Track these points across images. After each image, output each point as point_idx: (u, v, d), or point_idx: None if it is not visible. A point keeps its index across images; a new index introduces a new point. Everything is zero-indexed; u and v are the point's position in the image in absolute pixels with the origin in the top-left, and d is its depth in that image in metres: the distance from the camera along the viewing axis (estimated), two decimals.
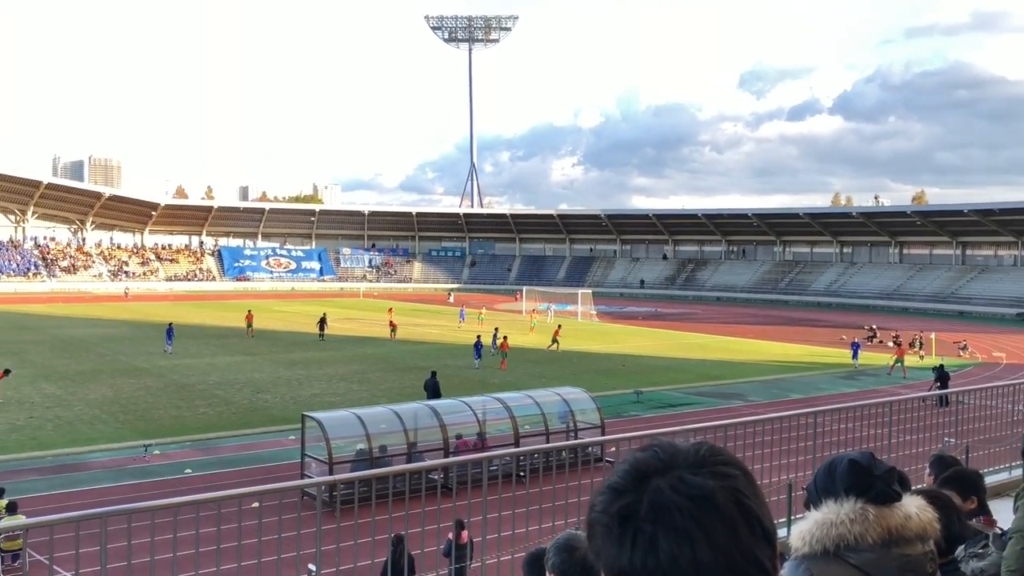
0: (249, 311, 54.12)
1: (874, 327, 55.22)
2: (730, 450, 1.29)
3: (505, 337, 41.59)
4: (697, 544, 1.13)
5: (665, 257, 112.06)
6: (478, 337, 41.12)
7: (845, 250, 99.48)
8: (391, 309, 61.13)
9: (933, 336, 47.89)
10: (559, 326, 50.79)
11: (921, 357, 44.11)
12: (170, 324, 45.02)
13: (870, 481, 1.90)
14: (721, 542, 1.14)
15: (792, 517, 8.38)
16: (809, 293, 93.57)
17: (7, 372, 30.69)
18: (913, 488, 3.00)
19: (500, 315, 68.22)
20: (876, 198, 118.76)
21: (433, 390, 28.04)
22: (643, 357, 44.38)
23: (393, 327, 51.81)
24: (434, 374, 29.38)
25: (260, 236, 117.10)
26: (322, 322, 50.92)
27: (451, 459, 16.83)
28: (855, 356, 41.85)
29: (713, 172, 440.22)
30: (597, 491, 1.24)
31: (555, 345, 45.69)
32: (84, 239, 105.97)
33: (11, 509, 14.79)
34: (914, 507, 1.90)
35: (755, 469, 8.64)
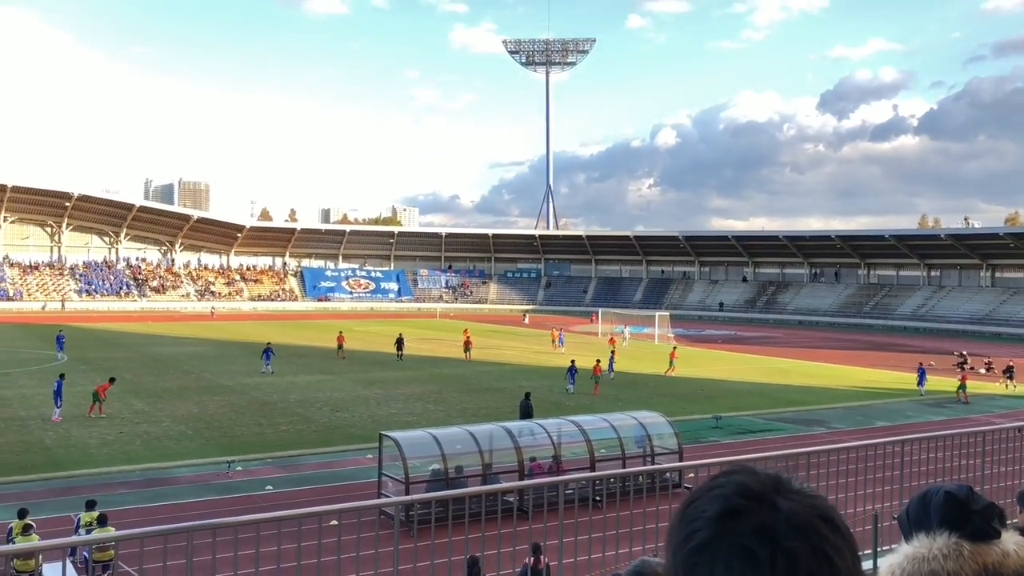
0: (340, 333, 54.60)
1: (964, 353, 53.18)
2: (813, 478, 1.29)
3: (598, 360, 40.94)
4: (831, 563, 1.15)
5: (745, 279, 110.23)
6: (572, 361, 40.23)
7: (933, 273, 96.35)
8: (467, 330, 61.54)
9: None
10: (674, 348, 50.74)
11: (1007, 386, 42.29)
12: (268, 344, 45.86)
13: (967, 516, 1.81)
14: (848, 560, 1.17)
15: (878, 549, 8.10)
16: (895, 317, 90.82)
17: (112, 380, 32.77)
18: (1009, 523, 2.87)
19: (576, 337, 68.00)
20: (966, 219, 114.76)
21: (525, 411, 28.14)
22: (722, 381, 43.63)
23: (468, 345, 52.11)
24: (528, 395, 29.47)
25: (341, 257, 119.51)
26: (400, 342, 51.45)
27: (527, 482, 16.75)
28: (920, 383, 40.09)
29: (794, 193, 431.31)
30: (693, 515, 1.20)
31: (671, 369, 45.26)
32: (173, 260, 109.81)
33: (102, 521, 15.21)
34: (1012, 544, 1.80)
35: (839, 498, 8.40)
